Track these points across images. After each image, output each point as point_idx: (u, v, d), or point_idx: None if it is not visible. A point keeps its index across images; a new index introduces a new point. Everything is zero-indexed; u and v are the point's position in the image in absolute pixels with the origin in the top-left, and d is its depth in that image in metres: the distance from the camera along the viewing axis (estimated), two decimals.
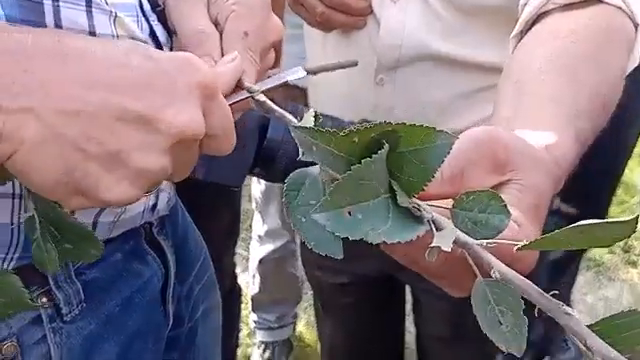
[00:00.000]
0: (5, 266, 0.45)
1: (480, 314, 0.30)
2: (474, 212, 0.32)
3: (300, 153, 0.32)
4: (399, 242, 0.30)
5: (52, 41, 0.33)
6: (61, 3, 0.39)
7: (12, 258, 0.44)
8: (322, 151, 0.31)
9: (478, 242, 0.31)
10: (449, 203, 0.33)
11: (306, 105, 1.06)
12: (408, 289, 1.26)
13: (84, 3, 0.40)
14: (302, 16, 0.91)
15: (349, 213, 0.30)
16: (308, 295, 1.90)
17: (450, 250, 0.30)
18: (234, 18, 0.44)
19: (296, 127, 0.32)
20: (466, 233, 0.31)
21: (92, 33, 0.42)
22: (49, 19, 0.39)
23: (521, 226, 0.34)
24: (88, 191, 0.33)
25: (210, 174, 0.49)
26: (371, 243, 0.31)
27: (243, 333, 1.74)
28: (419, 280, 1.23)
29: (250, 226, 2.01)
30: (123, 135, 0.32)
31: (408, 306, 1.32)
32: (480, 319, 0.30)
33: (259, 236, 1.69)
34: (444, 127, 0.32)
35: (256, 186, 1.64)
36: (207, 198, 1.14)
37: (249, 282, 1.77)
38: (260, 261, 1.69)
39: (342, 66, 0.66)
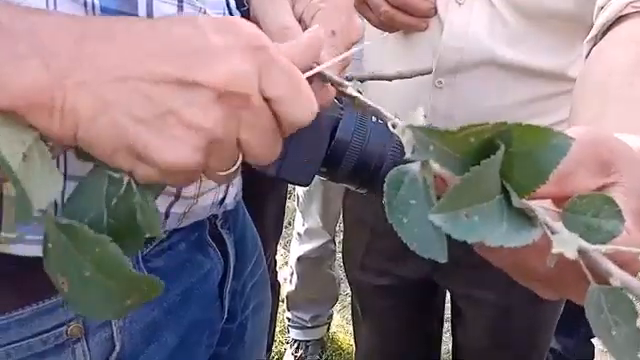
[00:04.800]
0: None
1: (593, 321, 0.29)
2: (587, 216, 0.31)
3: (408, 152, 0.31)
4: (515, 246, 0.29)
5: (103, 23, 0.35)
6: None
7: None
8: (438, 151, 0.30)
9: (596, 248, 0.30)
10: (546, 203, 0.32)
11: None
12: (448, 297, 1.25)
13: None
14: (366, 16, 0.90)
15: (466, 215, 0.29)
16: (343, 297, 1.89)
17: (575, 258, 0.29)
18: (321, 16, 0.43)
19: (414, 127, 0.31)
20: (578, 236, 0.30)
21: None
22: (142, 11, 0.40)
23: (630, 233, 0.33)
24: (143, 155, 0.33)
25: (282, 171, 0.49)
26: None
27: (276, 330, 1.74)
28: (460, 286, 1.21)
29: (289, 224, 2.01)
30: (166, 97, 0.33)
31: (446, 314, 1.31)
32: (593, 326, 0.29)
33: (299, 234, 1.69)
34: None
35: None
36: (256, 192, 1.15)
37: (286, 279, 1.77)
38: (298, 259, 1.69)
39: (419, 73, 0.66)
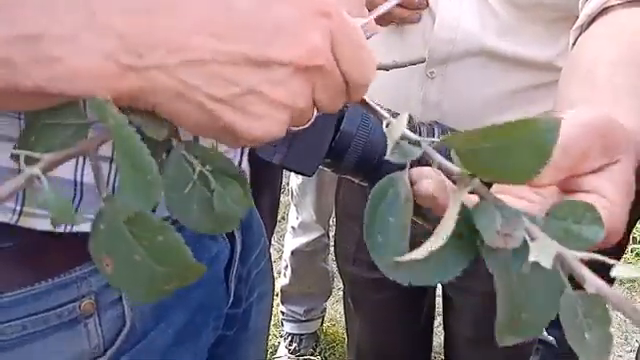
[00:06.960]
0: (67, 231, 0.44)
1: (566, 325, 0.30)
2: (568, 222, 0.32)
3: (388, 152, 0.32)
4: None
5: None
6: None
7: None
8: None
9: (572, 254, 0.30)
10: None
11: None
12: (439, 291, 1.26)
13: None
14: None
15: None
16: (337, 290, 1.91)
17: (550, 267, 0.30)
18: None
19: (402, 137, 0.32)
20: (557, 241, 0.31)
21: None
22: None
23: (613, 203, 0.35)
24: (231, 132, 0.33)
25: (287, 160, 0.50)
26: None
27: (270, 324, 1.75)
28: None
29: (283, 218, 2.02)
30: (242, 77, 0.33)
31: (437, 308, 1.32)
32: (566, 330, 0.30)
33: (293, 228, 1.70)
34: (488, 123, 0.31)
35: (294, 178, 1.65)
36: (250, 185, 1.16)
37: (280, 273, 1.78)
38: (292, 253, 1.70)
39: (412, 63, 0.67)
